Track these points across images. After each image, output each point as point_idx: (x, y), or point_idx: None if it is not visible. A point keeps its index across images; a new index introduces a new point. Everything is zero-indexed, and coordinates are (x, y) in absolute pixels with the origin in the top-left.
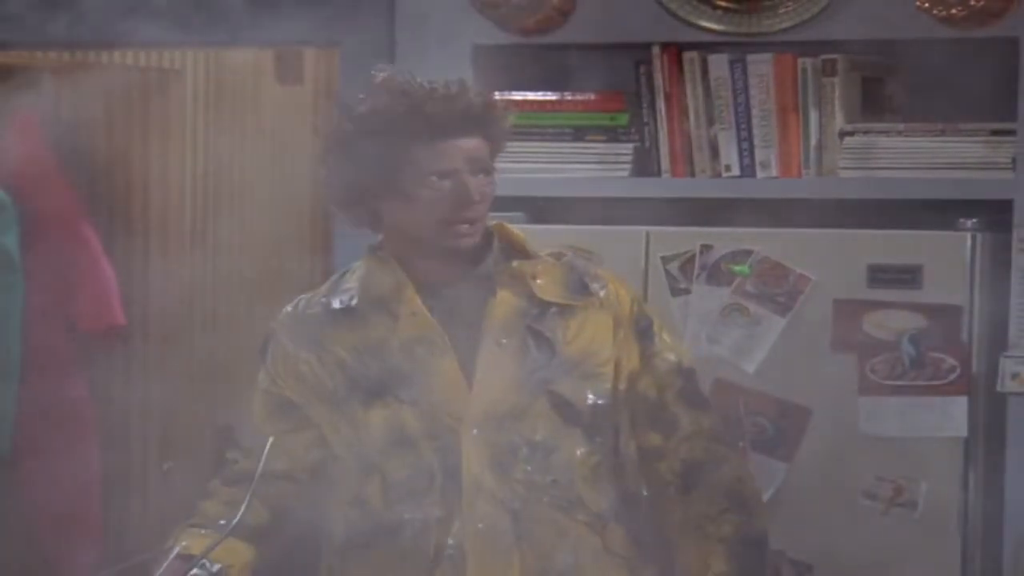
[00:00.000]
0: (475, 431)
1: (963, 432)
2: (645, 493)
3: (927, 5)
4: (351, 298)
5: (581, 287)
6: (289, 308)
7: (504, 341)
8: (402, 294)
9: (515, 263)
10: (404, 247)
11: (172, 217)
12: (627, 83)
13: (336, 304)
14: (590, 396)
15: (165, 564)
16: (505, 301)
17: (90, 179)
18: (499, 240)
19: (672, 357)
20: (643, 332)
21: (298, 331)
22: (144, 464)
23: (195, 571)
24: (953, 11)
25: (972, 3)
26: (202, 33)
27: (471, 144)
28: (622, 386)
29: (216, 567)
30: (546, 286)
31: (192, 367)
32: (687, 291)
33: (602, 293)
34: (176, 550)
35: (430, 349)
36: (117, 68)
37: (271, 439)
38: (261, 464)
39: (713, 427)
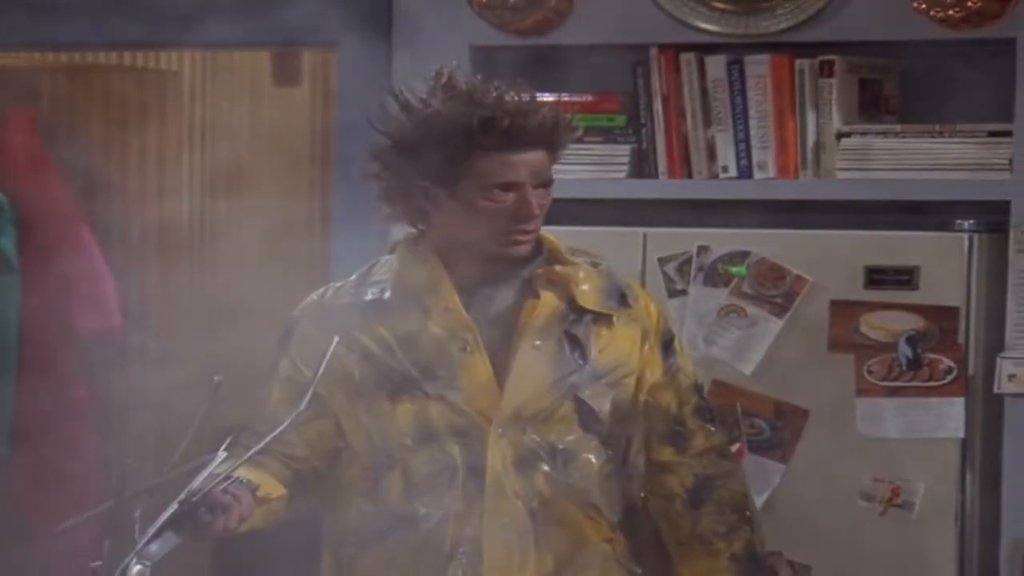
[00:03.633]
0: (500, 430)
1: (960, 433)
2: (647, 506)
3: (924, 6)
4: (383, 290)
5: (618, 297)
6: (315, 296)
7: (539, 343)
8: (439, 289)
9: (557, 267)
10: (448, 245)
11: (169, 218)
12: (624, 84)
13: (368, 296)
14: (611, 406)
15: (204, 479)
16: (547, 304)
17: (87, 180)
18: (544, 244)
19: (690, 372)
20: (667, 346)
21: (325, 320)
22: (141, 464)
23: (232, 484)
24: (950, 12)
25: (969, 4)
26: (199, 34)
27: (537, 158)
28: (642, 398)
29: (255, 484)
30: (588, 293)
31: (189, 368)
32: (684, 292)
33: (635, 305)
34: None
35: (462, 346)
36: (114, 69)
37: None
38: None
39: (722, 442)
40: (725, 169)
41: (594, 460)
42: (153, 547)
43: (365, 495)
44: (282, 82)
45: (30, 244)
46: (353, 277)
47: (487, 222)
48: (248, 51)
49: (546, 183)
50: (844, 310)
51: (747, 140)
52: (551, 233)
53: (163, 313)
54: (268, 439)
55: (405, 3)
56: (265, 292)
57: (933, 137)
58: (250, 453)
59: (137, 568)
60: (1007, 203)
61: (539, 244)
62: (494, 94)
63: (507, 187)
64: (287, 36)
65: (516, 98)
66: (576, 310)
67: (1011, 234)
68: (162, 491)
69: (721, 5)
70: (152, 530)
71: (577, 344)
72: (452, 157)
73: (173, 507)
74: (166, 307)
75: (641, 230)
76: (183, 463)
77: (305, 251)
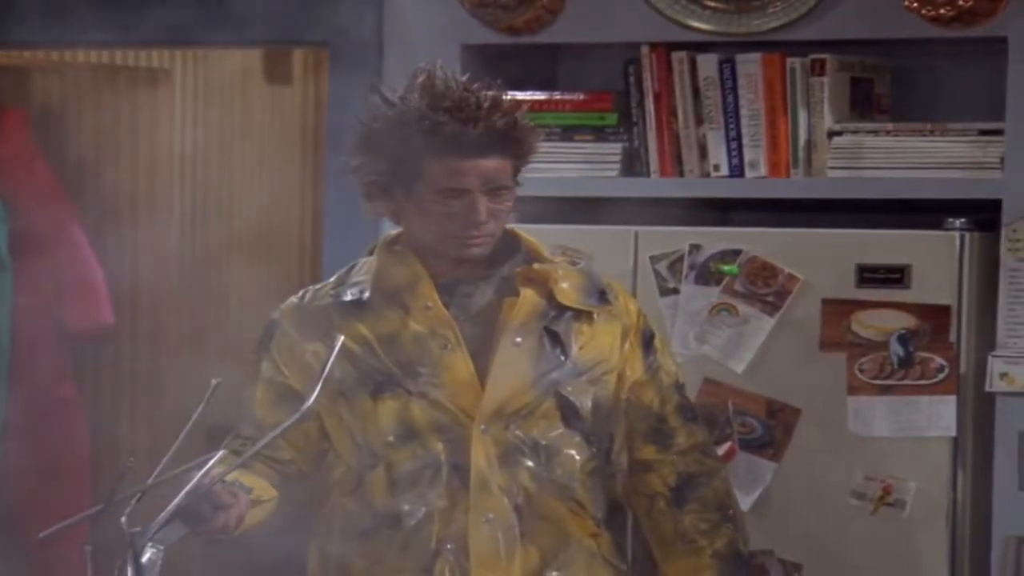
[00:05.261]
0: (483, 427)
1: (951, 432)
2: (630, 504)
3: (916, 5)
4: (362, 291)
5: (598, 295)
6: (295, 299)
7: (519, 340)
8: (418, 287)
9: (536, 266)
10: (423, 244)
11: (160, 217)
12: (616, 83)
13: (347, 296)
14: (592, 402)
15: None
16: (527, 300)
17: (79, 179)
18: (522, 244)
19: (672, 370)
20: (647, 344)
21: (304, 321)
22: (136, 466)
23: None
24: (941, 11)
25: (960, 3)
26: (191, 33)
27: (489, 164)
28: (623, 396)
29: (248, 487)
30: (568, 290)
31: (180, 367)
32: (676, 291)
33: (615, 303)
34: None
35: (443, 343)
36: (105, 68)
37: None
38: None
39: (705, 440)
40: (716, 167)
41: (577, 456)
42: (161, 534)
43: (350, 494)
44: (273, 81)
45: (21, 243)
46: (332, 279)
47: (438, 225)
48: (239, 50)
49: (501, 188)
50: (836, 308)
51: (739, 138)
52: (542, 232)
53: (154, 311)
54: (260, 444)
55: (396, 2)
56: (256, 291)
57: (924, 135)
58: (243, 459)
59: (151, 551)
60: (998, 202)
61: (517, 242)
62: (454, 99)
63: (455, 192)
64: (279, 35)
65: (475, 104)
66: (556, 307)
67: (1002, 232)
68: (151, 495)
69: (713, 3)
70: (163, 517)
71: (558, 340)
72: (406, 159)
73: (180, 496)
74: (158, 304)
75: (632, 228)
76: (177, 464)
77: (296, 250)
